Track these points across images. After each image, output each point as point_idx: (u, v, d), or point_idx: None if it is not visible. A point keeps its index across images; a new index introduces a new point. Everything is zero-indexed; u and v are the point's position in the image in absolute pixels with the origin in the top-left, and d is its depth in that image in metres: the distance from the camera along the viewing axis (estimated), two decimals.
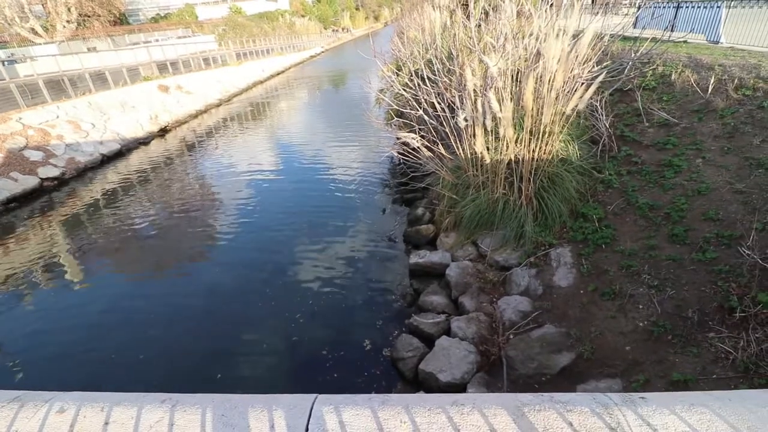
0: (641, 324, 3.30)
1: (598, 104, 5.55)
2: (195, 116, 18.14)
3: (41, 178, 10.25)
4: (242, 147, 13.09)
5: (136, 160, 12.43)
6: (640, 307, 3.43)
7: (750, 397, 1.69)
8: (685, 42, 8.77)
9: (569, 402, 1.62)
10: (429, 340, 4.09)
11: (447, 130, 5.90)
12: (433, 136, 6.42)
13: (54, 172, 10.60)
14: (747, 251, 3.23)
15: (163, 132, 15.56)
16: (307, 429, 1.48)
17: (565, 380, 3.22)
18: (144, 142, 14.27)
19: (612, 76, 5.92)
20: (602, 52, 6.07)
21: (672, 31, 9.41)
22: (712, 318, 3.10)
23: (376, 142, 10.49)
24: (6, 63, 14.73)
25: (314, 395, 1.61)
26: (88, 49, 23.23)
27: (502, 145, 5.02)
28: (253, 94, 23.91)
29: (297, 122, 16.38)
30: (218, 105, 20.57)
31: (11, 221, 8.63)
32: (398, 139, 6.42)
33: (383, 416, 1.53)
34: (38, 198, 9.75)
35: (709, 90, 5.24)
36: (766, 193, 3.78)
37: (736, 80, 5.24)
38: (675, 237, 3.81)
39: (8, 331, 5.19)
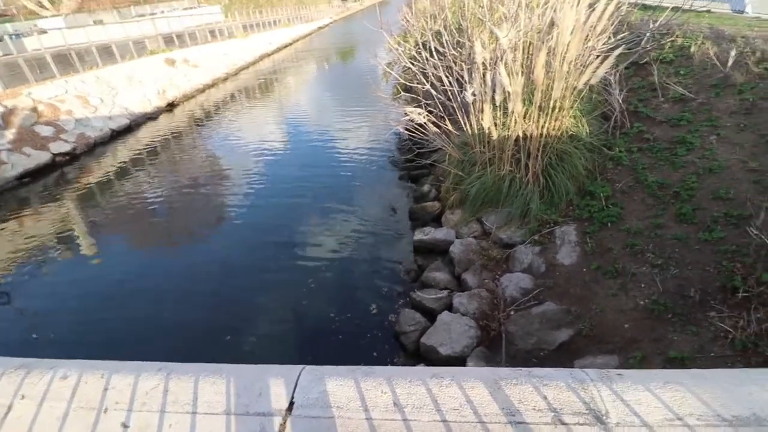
0: (642, 302, 3.30)
1: (612, 78, 5.36)
2: (202, 90, 18.06)
3: (53, 153, 10.39)
4: (250, 121, 13.06)
5: (145, 135, 12.49)
6: (642, 285, 3.41)
7: (726, 376, 1.69)
8: (708, 12, 8.33)
9: (546, 377, 1.65)
10: (431, 315, 4.15)
11: (455, 105, 5.78)
12: (440, 111, 6.30)
13: (65, 148, 10.72)
14: (755, 231, 3.17)
15: (171, 107, 15.55)
16: (292, 398, 1.54)
17: (563, 356, 3.26)
18: (152, 117, 14.29)
19: (628, 49, 5.69)
20: (619, 22, 5.81)
21: None
22: (713, 297, 3.08)
23: (383, 118, 10.36)
24: (14, 37, 14.68)
25: (301, 366, 1.68)
26: (95, 22, 22.98)
27: (511, 120, 4.91)
28: (261, 67, 23.61)
29: (304, 96, 16.20)
30: (225, 79, 20.41)
31: (26, 195, 8.83)
32: (405, 114, 6.33)
33: (365, 387, 1.58)
34: (51, 173, 9.92)
35: (729, 63, 5.01)
36: None
37: (758, 53, 4.99)
38: (682, 216, 3.75)
39: (22, 300, 5.41)
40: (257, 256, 5.80)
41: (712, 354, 2.74)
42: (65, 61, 14.46)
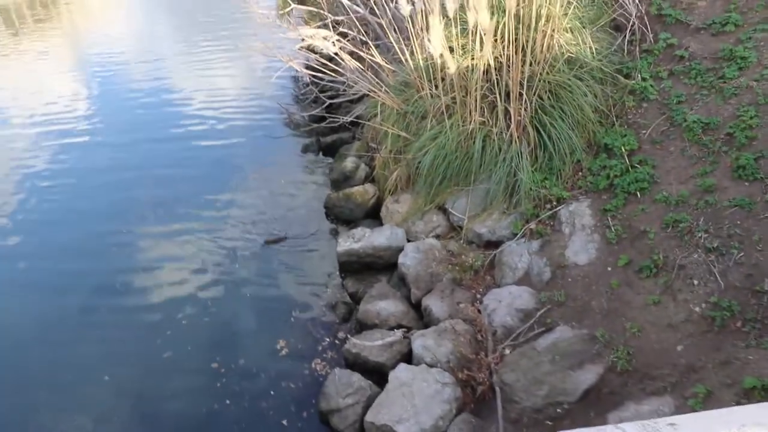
0: (697, 309, 3.57)
1: None
2: None
3: None
4: (25, 68, 12.57)
5: None
6: (695, 283, 3.69)
7: None
8: None
9: None
10: (379, 374, 4.20)
11: (383, 22, 5.83)
12: (360, 33, 6.32)
13: None
14: None
15: None
16: None
17: (591, 409, 3.43)
18: None
19: None
20: None
21: None
22: None
23: (265, 50, 10.21)
24: None
25: None
26: None
27: (474, 42, 5.04)
28: None
29: (123, 21, 15.54)
30: None
31: None
32: (303, 41, 6.26)
33: None
34: None
35: None
36: None
37: None
38: (741, 171, 4.11)
39: None
40: (54, 320, 5.38)
41: None
42: None
